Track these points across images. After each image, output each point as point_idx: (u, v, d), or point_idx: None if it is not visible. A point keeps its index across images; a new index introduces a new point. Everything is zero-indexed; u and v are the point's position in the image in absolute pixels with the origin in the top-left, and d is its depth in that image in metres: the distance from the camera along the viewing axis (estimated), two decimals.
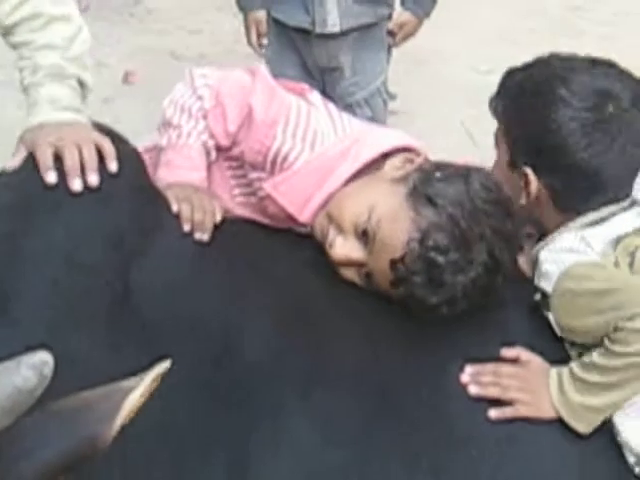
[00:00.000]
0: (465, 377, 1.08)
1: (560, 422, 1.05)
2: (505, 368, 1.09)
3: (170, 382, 0.78)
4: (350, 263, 1.14)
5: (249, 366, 1.05)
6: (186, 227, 1.14)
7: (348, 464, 1.03)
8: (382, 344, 1.13)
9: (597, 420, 1.04)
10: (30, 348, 0.77)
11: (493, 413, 1.05)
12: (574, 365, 1.05)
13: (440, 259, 1.05)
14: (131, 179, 1.12)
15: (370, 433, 1.05)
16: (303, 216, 1.19)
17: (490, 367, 1.09)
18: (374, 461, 1.04)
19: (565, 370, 1.05)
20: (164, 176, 1.24)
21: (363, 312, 1.15)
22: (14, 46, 1.27)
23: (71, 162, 1.06)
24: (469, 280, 1.06)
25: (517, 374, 1.08)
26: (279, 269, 1.18)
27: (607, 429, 1.06)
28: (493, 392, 1.07)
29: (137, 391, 0.76)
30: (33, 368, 0.76)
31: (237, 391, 1.03)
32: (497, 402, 1.07)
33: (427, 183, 1.11)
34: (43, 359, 0.76)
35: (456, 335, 1.12)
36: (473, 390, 1.07)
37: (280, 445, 1.02)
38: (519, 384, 1.07)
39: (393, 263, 1.07)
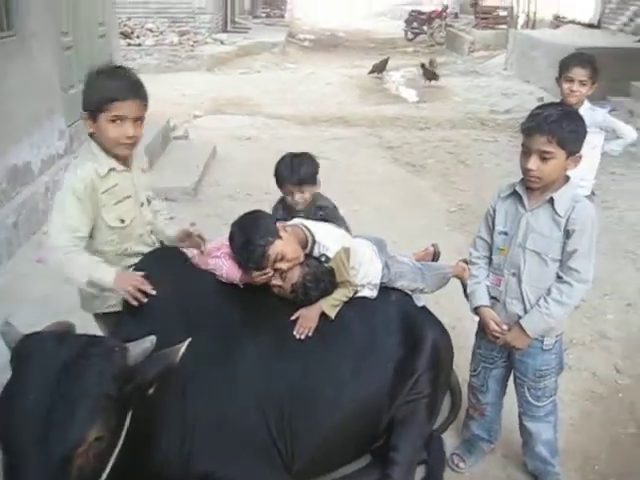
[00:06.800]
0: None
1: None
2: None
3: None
4: (278, 287, 2.77)
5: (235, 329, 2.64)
6: None
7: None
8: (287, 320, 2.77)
9: (335, 308, 2.81)
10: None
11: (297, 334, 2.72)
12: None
13: (309, 285, 2.75)
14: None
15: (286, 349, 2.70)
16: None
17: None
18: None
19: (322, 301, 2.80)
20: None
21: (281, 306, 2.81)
22: None
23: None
24: (318, 293, 2.76)
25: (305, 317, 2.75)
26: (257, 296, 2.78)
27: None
28: (301, 330, 2.71)
29: (183, 347, 2.08)
30: (151, 341, 2.04)
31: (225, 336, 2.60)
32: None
33: (309, 262, 2.78)
34: (153, 339, 2.05)
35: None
36: (296, 334, 2.71)
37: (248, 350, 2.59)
38: (306, 320, 2.73)
39: (292, 285, 2.74)
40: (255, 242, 2.65)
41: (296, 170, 3.30)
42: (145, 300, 2.48)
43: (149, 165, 6.32)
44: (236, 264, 2.74)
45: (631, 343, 4.22)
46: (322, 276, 2.79)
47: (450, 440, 3.23)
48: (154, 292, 2.49)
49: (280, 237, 2.71)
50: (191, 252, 2.89)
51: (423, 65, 14.04)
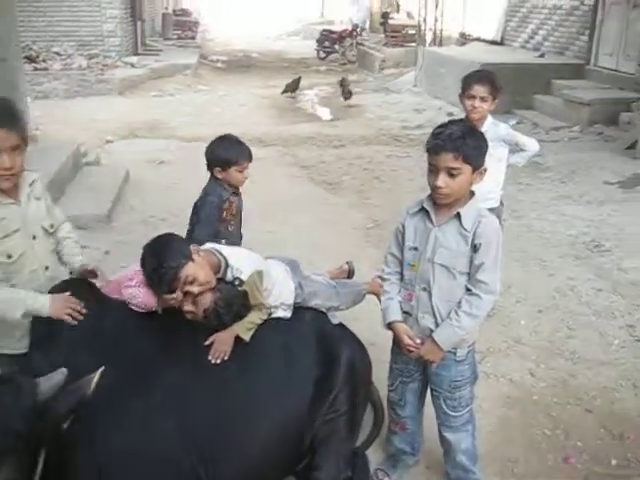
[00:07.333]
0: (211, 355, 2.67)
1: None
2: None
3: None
4: (190, 312, 2.69)
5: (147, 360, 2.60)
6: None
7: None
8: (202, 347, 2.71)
9: (250, 331, 2.76)
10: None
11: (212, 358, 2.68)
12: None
13: (221, 310, 2.69)
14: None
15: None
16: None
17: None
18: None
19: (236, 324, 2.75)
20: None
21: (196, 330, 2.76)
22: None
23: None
24: (231, 317, 2.73)
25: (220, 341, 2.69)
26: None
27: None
28: (217, 355, 2.67)
29: (96, 376, 2.09)
30: (62, 373, 2.06)
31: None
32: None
33: (220, 287, 2.72)
34: (64, 371, 2.07)
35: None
36: (212, 359, 2.67)
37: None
38: (221, 345, 2.68)
39: (204, 311, 2.68)
40: (167, 264, 2.62)
41: (245, 146, 3.66)
42: (82, 318, 2.57)
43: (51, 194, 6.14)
44: (151, 290, 2.71)
45: (544, 348, 4.37)
46: (234, 300, 2.77)
47: (374, 455, 3.26)
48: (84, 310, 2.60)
49: (192, 260, 2.68)
50: (102, 282, 2.83)
51: (341, 83, 14.22)
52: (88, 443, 2.36)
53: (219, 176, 3.61)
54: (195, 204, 3.65)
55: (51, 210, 2.88)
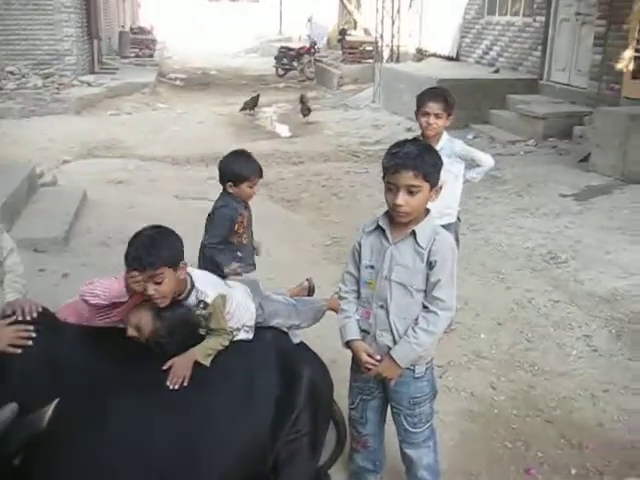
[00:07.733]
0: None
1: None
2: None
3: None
4: (133, 337, 2.62)
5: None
6: None
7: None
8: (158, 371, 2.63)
9: (210, 357, 2.69)
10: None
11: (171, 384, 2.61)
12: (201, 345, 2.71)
13: (162, 339, 2.61)
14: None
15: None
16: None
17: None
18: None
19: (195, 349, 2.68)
20: None
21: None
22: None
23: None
24: (174, 347, 2.63)
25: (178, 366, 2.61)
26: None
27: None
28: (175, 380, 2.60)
29: (50, 409, 2.06)
30: (12, 410, 2.12)
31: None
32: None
33: (167, 315, 2.66)
34: (14, 407, 2.08)
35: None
36: (170, 385, 2.59)
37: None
38: (179, 370, 2.61)
39: (145, 340, 2.59)
40: (159, 251, 2.57)
41: (257, 163, 3.87)
42: (29, 343, 2.48)
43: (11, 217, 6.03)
44: (114, 280, 2.71)
45: (504, 360, 4.43)
46: (177, 330, 2.71)
47: (337, 475, 3.25)
48: (33, 334, 2.50)
49: (175, 270, 2.65)
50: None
51: (301, 100, 14.29)
52: (42, 477, 2.32)
53: (230, 190, 3.80)
54: (209, 215, 3.85)
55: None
